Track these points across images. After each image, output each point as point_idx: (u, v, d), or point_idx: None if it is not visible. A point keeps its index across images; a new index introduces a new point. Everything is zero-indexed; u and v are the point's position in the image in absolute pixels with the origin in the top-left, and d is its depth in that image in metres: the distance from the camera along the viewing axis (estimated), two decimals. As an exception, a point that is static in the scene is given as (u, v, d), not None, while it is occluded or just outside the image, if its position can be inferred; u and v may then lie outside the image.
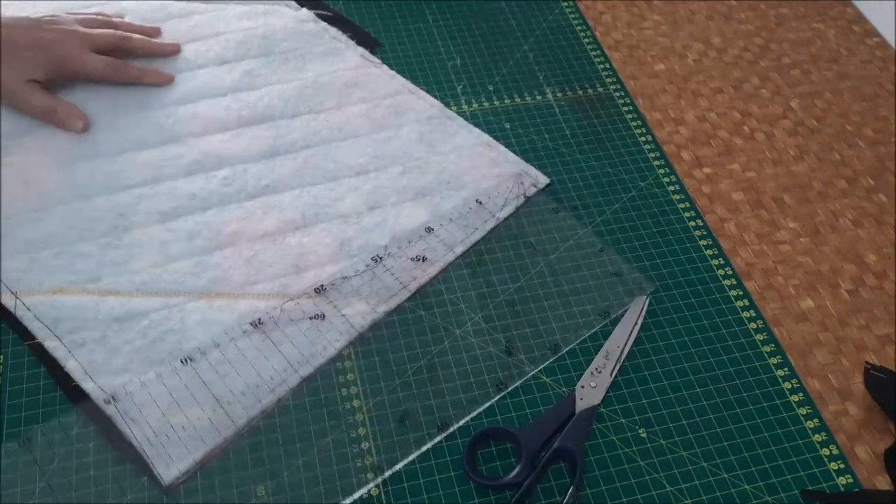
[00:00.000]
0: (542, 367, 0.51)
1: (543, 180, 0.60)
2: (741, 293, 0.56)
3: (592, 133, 0.65)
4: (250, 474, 0.46)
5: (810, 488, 0.47)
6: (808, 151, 0.66)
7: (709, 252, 0.58)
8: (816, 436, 0.49)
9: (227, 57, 0.67)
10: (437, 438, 0.48)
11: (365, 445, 0.47)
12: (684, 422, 0.49)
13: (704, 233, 0.59)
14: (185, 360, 0.49)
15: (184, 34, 0.68)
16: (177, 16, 0.69)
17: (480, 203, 0.58)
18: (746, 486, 0.47)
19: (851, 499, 0.47)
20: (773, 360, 0.52)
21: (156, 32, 0.67)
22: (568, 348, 0.52)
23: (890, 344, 0.54)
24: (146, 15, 0.69)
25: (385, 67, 0.68)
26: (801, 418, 0.50)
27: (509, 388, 0.50)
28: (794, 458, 0.48)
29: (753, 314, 0.55)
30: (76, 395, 0.47)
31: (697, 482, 0.47)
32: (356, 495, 0.45)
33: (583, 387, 0.49)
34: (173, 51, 0.65)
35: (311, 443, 0.47)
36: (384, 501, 0.45)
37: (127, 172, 0.58)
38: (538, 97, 0.66)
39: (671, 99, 0.70)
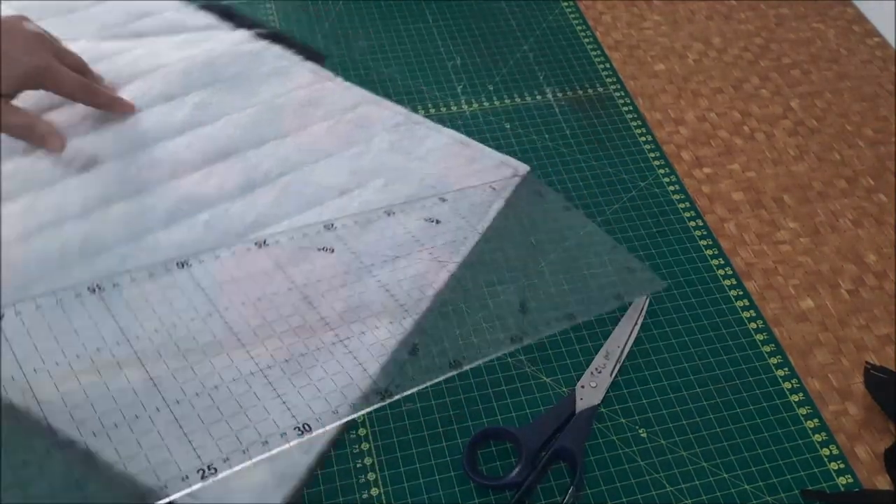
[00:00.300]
0: (556, 331, 0.51)
1: (524, 168, 0.60)
2: (741, 293, 0.56)
3: (592, 133, 0.65)
4: (250, 474, 0.46)
5: (810, 488, 0.47)
6: (808, 151, 0.66)
7: (709, 252, 0.58)
8: (816, 436, 0.49)
9: (174, 91, 0.62)
10: (449, 374, 0.48)
11: (365, 446, 0.47)
12: (684, 422, 0.49)
13: (704, 233, 0.59)
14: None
15: (121, 73, 0.63)
16: (109, 55, 0.64)
17: (471, 202, 0.57)
18: (746, 486, 0.47)
19: (851, 499, 0.47)
20: (773, 360, 0.52)
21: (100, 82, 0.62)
22: (584, 320, 0.52)
23: (890, 344, 0.54)
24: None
25: (339, 80, 0.66)
26: (801, 418, 0.50)
27: (524, 343, 0.50)
28: (794, 458, 0.48)
29: (753, 314, 0.55)
30: None
31: (697, 482, 0.47)
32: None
33: (583, 387, 0.49)
34: (127, 109, 0.60)
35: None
36: (384, 501, 0.45)
37: (101, 233, 0.52)
38: (538, 97, 0.67)
39: (671, 99, 0.70)
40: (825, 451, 0.48)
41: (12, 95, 0.54)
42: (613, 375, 0.50)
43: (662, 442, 0.48)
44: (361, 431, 0.48)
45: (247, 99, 0.63)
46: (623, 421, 0.49)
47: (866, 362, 0.53)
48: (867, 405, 0.51)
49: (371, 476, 0.46)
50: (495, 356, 0.50)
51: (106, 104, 0.59)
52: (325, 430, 0.45)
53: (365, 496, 0.45)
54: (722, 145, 0.66)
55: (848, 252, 0.59)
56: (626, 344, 0.52)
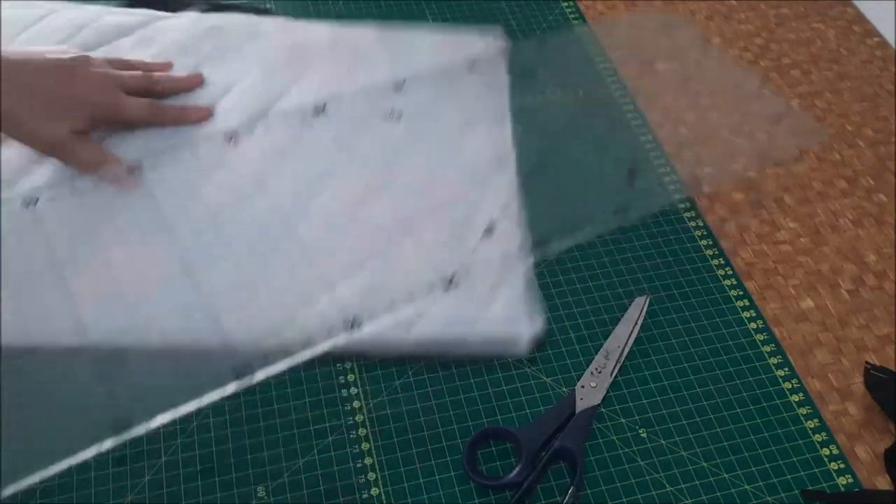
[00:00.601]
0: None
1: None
2: (741, 293, 0.56)
3: (593, 133, 0.65)
4: (250, 474, 0.46)
5: (810, 488, 0.47)
6: (808, 151, 0.66)
7: (709, 252, 0.58)
8: (816, 436, 0.49)
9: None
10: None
11: (365, 446, 0.47)
12: (684, 422, 0.49)
13: (704, 233, 0.59)
14: None
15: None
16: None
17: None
18: (746, 486, 0.47)
19: (851, 499, 0.47)
20: (774, 360, 0.52)
21: (167, 67, 0.62)
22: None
23: (890, 344, 0.54)
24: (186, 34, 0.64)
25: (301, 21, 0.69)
26: (802, 418, 0.50)
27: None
28: (794, 458, 0.48)
29: (753, 314, 0.55)
30: None
31: (697, 482, 0.47)
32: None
33: (583, 387, 0.49)
34: (197, 82, 0.61)
35: (311, 443, 0.47)
36: (384, 501, 0.45)
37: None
38: (538, 97, 0.66)
39: (671, 99, 0.69)
40: (825, 451, 0.48)
41: (85, 133, 0.55)
42: (613, 375, 0.50)
43: (662, 442, 0.48)
44: (361, 431, 0.48)
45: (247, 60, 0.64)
46: (623, 421, 0.49)
47: (866, 362, 0.53)
48: (867, 405, 0.51)
49: (371, 476, 0.46)
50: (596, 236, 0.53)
51: (177, 120, 0.58)
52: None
53: (365, 496, 0.45)
54: (722, 145, 0.66)
55: (848, 252, 0.59)
56: (626, 344, 0.52)
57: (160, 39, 0.65)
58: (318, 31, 0.69)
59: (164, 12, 0.67)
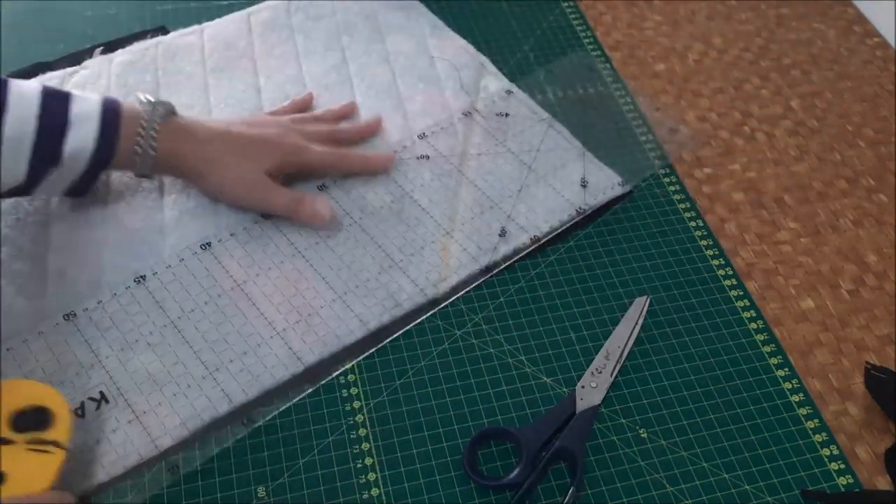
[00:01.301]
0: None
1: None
2: (741, 293, 0.56)
3: (592, 133, 0.65)
4: (250, 474, 0.46)
5: (811, 488, 0.47)
6: (808, 151, 0.66)
7: (709, 252, 0.58)
8: (817, 436, 0.49)
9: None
10: (531, 247, 0.56)
11: (365, 446, 0.47)
12: (684, 422, 0.49)
13: (704, 233, 0.59)
14: None
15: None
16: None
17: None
18: (747, 487, 0.47)
19: (852, 499, 0.47)
20: (774, 361, 0.52)
21: (352, 111, 0.64)
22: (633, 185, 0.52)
23: (890, 344, 0.54)
24: None
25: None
26: (802, 418, 0.50)
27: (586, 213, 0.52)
28: (794, 459, 0.48)
29: (754, 314, 0.55)
30: None
31: (698, 482, 0.47)
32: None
33: (583, 387, 0.49)
34: (377, 128, 0.63)
35: (311, 443, 0.47)
36: (384, 501, 0.45)
37: None
38: (538, 97, 0.66)
39: (672, 99, 0.69)
40: (825, 452, 0.48)
41: (276, 177, 0.56)
42: (613, 375, 0.50)
43: (662, 442, 0.48)
44: (361, 431, 0.48)
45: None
46: (623, 421, 0.49)
47: (866, 362, 0.53)
48: (867, 405, 0.51)
49: (371, 476, 0.46)
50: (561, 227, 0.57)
51: (361, 166, 0.59)
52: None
53: (365, 496, 0.45)
54: (722, 145, 0.66)
55: (848, 252, 0.59)
56: (626, 344, 0.52)
57: (88, 91, 0.63)
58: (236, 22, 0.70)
59: (70, 67, 0.65)
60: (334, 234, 0.56)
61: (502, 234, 0.57)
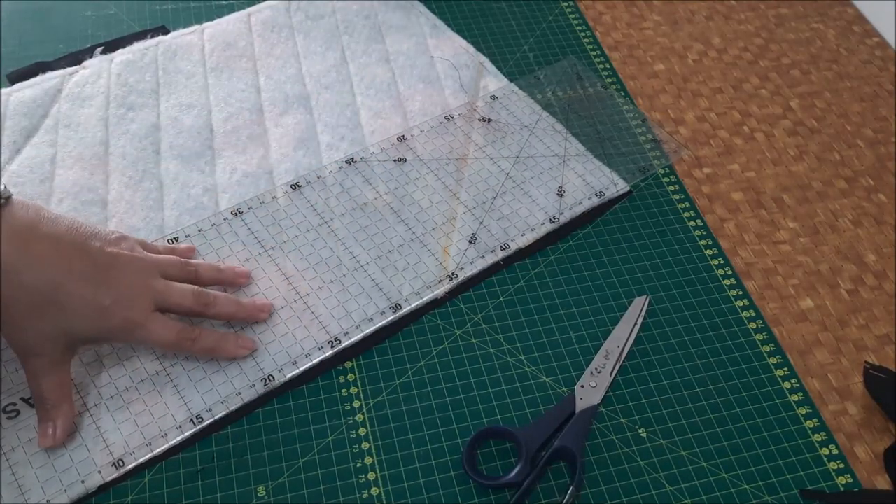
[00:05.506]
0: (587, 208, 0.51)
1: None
2: (741, 293, 0.56)
3: (593, 133, 0.65)
4: (250, 474, 0.46)
5: (810, 488, 0.47)
6: (807, 151, 0.66)
7: (709, 252, 0.58)
8: (816, 436, 0.49)
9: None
10: (501, 255, 0.55)
11: (365, 446, 0.47)
12: (684, 422, 0.49)
13: (704, 233, 0.59)
14: None
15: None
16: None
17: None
18: (746, 486, 0.47)
19: (851, 499, 0.47)
20: (773, 360, 0.52)
21: (191, 252, 0.54)
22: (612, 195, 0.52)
23: (889, 344, 0.54)
24: None
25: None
26: (801, 418, 0.50)
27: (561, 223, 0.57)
28: (793, 458, 0.48)
29: (753, 314, 0.55)
30: None
31: (697, 482, 0.47)
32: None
33: (583, 387, 0.49)
34: (244, 282, 0.53)
35: (311, 443, 0.47)
36: (384, 501, 0.45)
37: None
38: (538, 97, 0.67)
39: (671, 99, 0.70)
40: (825, 451, 0.48)
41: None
42: (613, 375, 0.50)
43: (662, 442, 0.48)
44: (361, 431, 0.48)
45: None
46: (623, 421, 0.49)
47: (866, 362, 0.53)
48: (867, 405, 0.51)
49: (371, 476, 0.46)
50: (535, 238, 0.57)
51: (230, 316, 0.51)
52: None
53: (365, 496, 0.45)
54: (722, 145, 0.66)
55: (848, 252, 0.59)
56: (626, 344, 0.52)
57: (88, 90, 0.63)
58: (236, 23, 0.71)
59: (70, 67, 0.65)
60: (334, 233, 0.56)
61: (506, 234, 0.57)
